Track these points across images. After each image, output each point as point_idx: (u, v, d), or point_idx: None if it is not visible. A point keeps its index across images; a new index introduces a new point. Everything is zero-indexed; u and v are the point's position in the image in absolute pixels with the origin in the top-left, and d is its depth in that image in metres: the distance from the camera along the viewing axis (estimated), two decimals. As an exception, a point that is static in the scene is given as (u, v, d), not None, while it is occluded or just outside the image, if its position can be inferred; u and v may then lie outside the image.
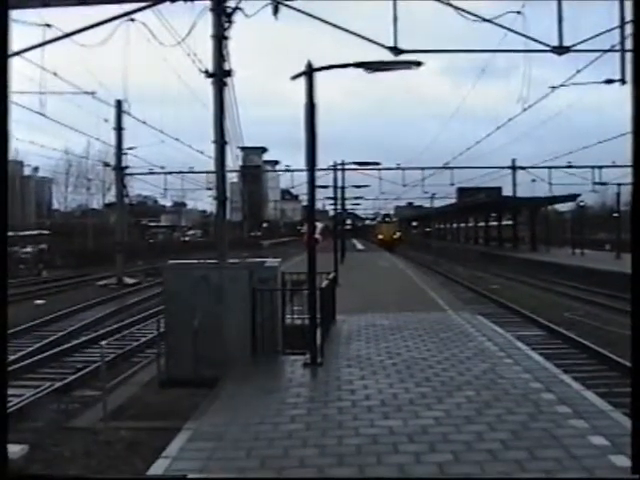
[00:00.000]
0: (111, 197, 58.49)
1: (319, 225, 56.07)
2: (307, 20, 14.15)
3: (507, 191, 62.05)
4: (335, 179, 35.00)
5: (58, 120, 29.97)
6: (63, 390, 13.06)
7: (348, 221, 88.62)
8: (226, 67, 13.67)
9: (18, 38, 11.53)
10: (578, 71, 17.22)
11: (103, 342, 11.74)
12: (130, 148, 40.29)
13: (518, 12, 14.95)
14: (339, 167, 35.21)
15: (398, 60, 13.19)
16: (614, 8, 14.53)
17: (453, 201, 70.59)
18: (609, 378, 13.27)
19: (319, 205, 62.38)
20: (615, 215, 51.97)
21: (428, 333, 13.63)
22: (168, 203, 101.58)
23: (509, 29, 14.81)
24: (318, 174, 11.95)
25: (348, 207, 62.72)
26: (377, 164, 39.71)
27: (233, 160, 15.24)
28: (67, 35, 13.68)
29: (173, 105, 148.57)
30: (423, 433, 7.08)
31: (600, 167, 53.09)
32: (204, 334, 11.72)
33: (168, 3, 13.73)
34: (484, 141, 41.42)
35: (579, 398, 8.41)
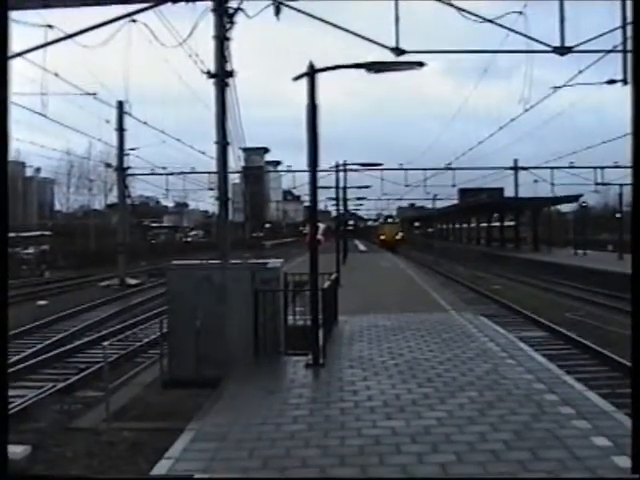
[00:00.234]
0: (113, 198, 58.78)
1: (321, 226, 56.14)
2: (309, 21, 14.20)
3: (509, 192, 62.16)
4: (337, 180, 35.00)
5: (60, 121, 30.05)
6: (66, 391, 13.06)
7: (350, 222, 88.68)
8: (228, 68, 13.71)
9: (20, 39, 11.57)
10: (580, 71, 17.25)
11: (106, 343, 11.75)
12: (132, 149, 40.39)
13: (520, 12, 14.99)
14: (341, 168, 35.20)
15: (400, 60, 13.21)
16: (616, 8, 14.56)
17: (455, 202, 70.60)
18: (612, 379, 13.26)
19: (321, 206, 62.49)
20: (617, 216, 51.93)
21: (430, 334, 13.62)
22: (170, 204, 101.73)
23: (511, 29, 14.85)
24: (320, 175, 11.96)
25: (350, 208, 62.89)
26: (379, 165, 39.81)
27: (235, 161, 15.25)
28: (69, 36, 13.71)
29: (175, 106, 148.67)
30: (426, 434, 7.08)
31: (602, 168, 53.21)
32: (207, 334, 11.72)
33: (170, 4, 13.77)
34: (486, 141, 41.48)
35: (582, 399, 8.41)
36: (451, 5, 14.09)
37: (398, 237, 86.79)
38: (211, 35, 13.60)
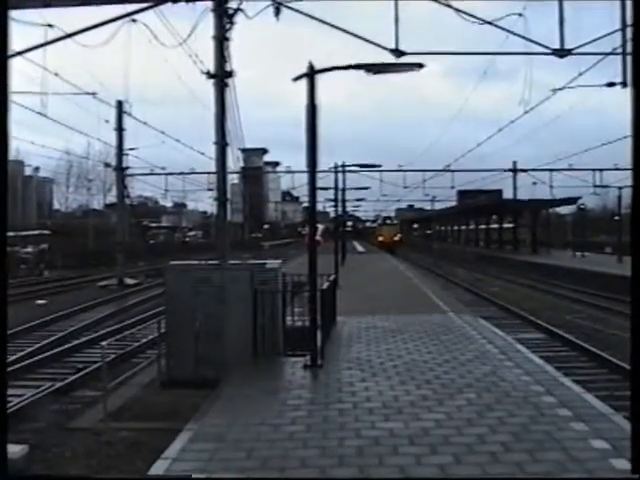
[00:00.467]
0: (112, 198, 58.65)
1: (320, 227, 56.10)
2: (308, 22, 14.17)
3: (508, 194, 62.18)
4: (336, 181, 34.98)
5: (59, 120, 30.00)
6: (64, 390, 13.05)
7: (349, 223, 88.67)
8: (227, 68, 13.69)
9: (20, 38, 11.56)
10: (580, 74, 17.26)
11: (104, 342, 11.73)
12: (131, 149, 40.36)
13: (519, 14, 14.96)
14: (340, 169, 35.19)
15: (400, 62, 13.22)
16: (616, 10, 14.55)
17: (454, 204, 70.62)
18: (610, 381, 13.26)
19: (320, 207, 62.18)
20: (616, 218, 51.95)
21: (429, 335, 13.63)
22: (169, 204, 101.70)
23: (510, 31, 14.83)
24: (319, 176, 11.95)
25: (349, 209, 62.87)
26: (378, 166, 39.81)
27: (234, 161, 15.23)
28: (69, 35, 13.69)
29: (174, 106, 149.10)
30: (424, 435, 7.09)
31: (601, 170, 53.27)
32: (205, 335, 11.73)
33: (170, 4, 13.75)
34: (485, 143, 41.66)
35: (580, 401, 8.42)
36: (450, 7, 14.08)
37: (396, 238, 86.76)
38: (211, 35, 13.59)
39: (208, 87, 13.72)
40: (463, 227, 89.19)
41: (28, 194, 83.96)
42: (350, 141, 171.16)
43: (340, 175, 35.53)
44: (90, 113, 36.65)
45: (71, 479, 7.49)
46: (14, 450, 8.39)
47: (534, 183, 58.03)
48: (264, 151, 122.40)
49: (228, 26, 13.62)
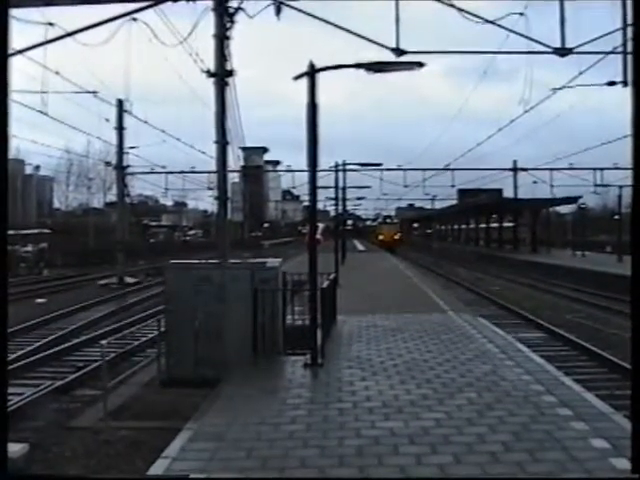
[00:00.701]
0: (112, 196, 58.74)
1: (320, 226, 56.13)
2: (309, 21, 14.19)
3: (508, 193, 62.13)
4: (336, 180, 34.97)
5: (60, 119, 29.96)
6: (63, 389, 13.04)
7: (349, 222, 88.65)
8: (228, 67, 13.67)
9: (20, 36, 11.56)
10: (580, 73, 17.24)
11: (104, 341, 11.71)
12: (131, 147, 40.36)
13: (520, 14, 14.96)
14: (340, 168, 35.19)
15: (400, 61, 13.20)
16: (617, 10, 14.54)
17: (454, 203, 70.57)
18: (610, 380, 13.25)
19: (320, 205, 62.26)
20: (616, 217, 51.92)
21: (429, 334, 13.62)
22: (169, 203, 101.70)
23: (511, 30, 14.83)
24: (319, 174, 11.95)
25: (349, 208, 62.87)
26: (378, 165, 39.85)
27: (234, 160, 15.20)
28: (69, 34, 13.67)
29: (175, 105, 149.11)
30: (424, 435, 7.08)
31: (602, 169, 53.21)
32: (205, 334, 11.72)
33: (170, 3, 13.74)
34: (485, 142, 41.57)
35: (580, 400, 8.41)
36: (452, 6, 14.07)
37: (397, 237, 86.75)
38: (211, 34, 13.58)
39: (209, 86, 13.72)
40: (463, 226, 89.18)
41: (28, 193, 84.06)
42: (350, 140, 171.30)
43: (340, 174, 35.57)
44: (91, 112, 36.67)
45: (71, 479, 7.48)
46: (14, 449, 8.39)
47: (534, 182, 58.01)
48: (264, 150, 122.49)
49: (229, 25, 13.60)
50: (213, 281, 11.96)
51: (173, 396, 11.12)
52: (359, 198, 59.36)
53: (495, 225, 70.52)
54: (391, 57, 13.95)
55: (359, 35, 14.22)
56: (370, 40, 14.16)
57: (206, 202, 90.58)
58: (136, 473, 7.86)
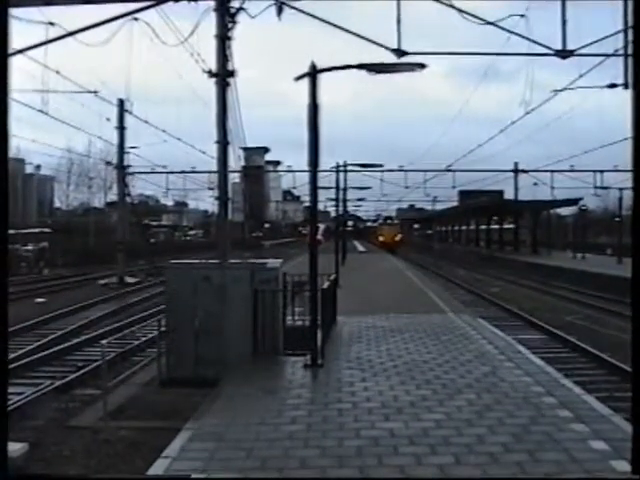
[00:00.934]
0: (113, 196, 58.83)
1: (321, 226, 56.14)
2: (311, 21, 14.19)
3: (509, 194, 62.14)
4: (337, 180, 34.98)
5: (60, 118, 29.96)
6: (63, 389, 13.04)
7: (350, 223, 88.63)
8: (229, 67, 13.68)
9: (21, 36, 11.57)
10: (581, 75, 17.25)
11: (104, 341, 11.72)
12: (132, 147, 40.38)
13: (522, 15, 14.96)
14: (341, 168, 35.19)
15: (401, 62, 13.20)
16: (618, 12, 14.54)
17: (455, 204, 70.56)
18: (610, 382, 13.26)
19: (321, 206, 62.20)
20: (617, 219, 51.91)
21: (429, 335, 13.63)
22: (170, 203, 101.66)
23: (513, 32, 14.82)
24: (320, 175, 11.95)
25: (350, 208, 62.87)
26: (379, 166, 39.77)
27: (235, 160, 15.19)
28: (70, 33, 13.68)
29: (175, 105, 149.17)
30: (424, 435, 7.08)
31: (602, 171, 53.21)
32: (205, 334, 11.72)
33: (172, 3, 13.74)
34: (486, 144, 41.44)
35: (580, 402, 8.41)
36: (453, 7, 14.07)
37: (397, 238, 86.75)
38: (213, 34, 13.58)
39: (210, 86, 13.72)
40: (464, 227, 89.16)
41: (29, 192, 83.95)
42: (351, 141, 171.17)
43: (341, 174, 35.58)
44: (91, 111, 36.59)
45: (71, 479, 7.48)
46: (14, 448, 8.39)
47: (535, 184, 57.99)
48: (265, 150, 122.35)
49: (230, 25, 13.60)
50: (213, 281, 11.96)
51: (173, 396, 11.12)
52: (360, 199, 59.40)
53: (496, 227, 70.51)
54: (393, 58, 13.96)
55: (360, 36, 14.23)
56: (371, 41, 14.17)
57: (207, 202, 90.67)
58: (136, 473, 7.86)
